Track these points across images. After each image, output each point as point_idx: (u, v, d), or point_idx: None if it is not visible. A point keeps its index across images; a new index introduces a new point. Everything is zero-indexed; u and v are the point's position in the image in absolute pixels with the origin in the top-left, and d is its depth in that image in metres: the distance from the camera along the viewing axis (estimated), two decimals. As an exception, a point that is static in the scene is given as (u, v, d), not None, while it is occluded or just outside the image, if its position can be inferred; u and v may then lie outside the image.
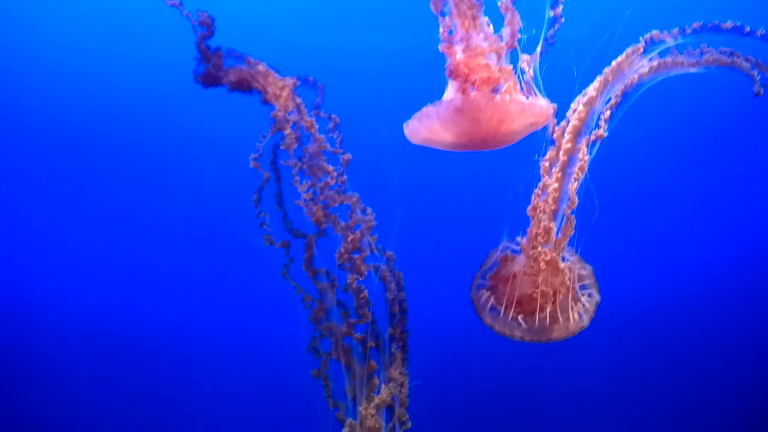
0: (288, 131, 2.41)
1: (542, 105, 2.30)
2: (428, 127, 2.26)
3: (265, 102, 2.45)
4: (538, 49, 2.39)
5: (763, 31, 2.52)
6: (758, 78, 2.62)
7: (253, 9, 5.83)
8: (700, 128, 6.50)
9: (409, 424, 2.60)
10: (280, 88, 2.39)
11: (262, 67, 2.40)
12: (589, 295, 2.50)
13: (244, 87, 2.43)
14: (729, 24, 2.54)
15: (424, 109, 2.25)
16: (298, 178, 2.47)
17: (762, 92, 2.53)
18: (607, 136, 2.52)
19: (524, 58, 2.35)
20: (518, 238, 2.54)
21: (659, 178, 6.66)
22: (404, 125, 2.34)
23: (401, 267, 2.69)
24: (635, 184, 6.51)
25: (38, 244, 6.40)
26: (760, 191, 6.60)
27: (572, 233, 2.43)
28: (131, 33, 5.87)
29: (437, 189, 6.12)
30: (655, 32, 2.54)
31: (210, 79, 2.35)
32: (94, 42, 5.97)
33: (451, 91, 2.28)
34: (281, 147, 2.44)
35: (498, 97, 2.16)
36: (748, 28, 2.53)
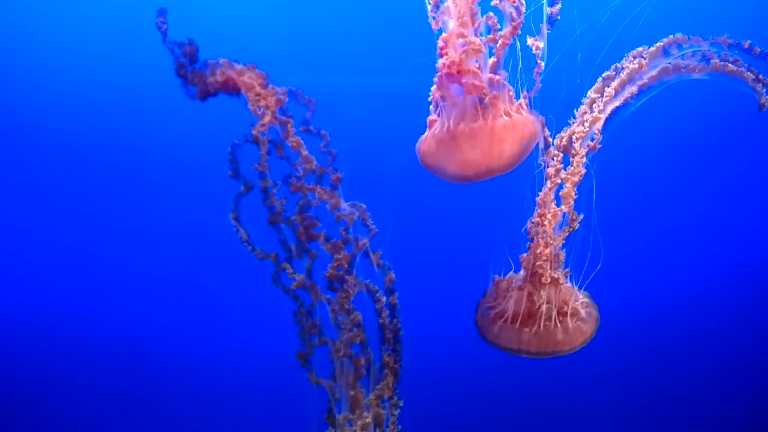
0: (263, 150, 2.31)
1: (530, 119, 2.24)
2: (431, 158, 2.23)
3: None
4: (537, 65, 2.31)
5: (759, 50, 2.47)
6: (763, 91, 2.56)
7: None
8: (705, 135, 6.46)
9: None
10: (265, 96, 2.30)
11: (246, 72, 2.29)
12: (588, 313, 2.44)
13: (230, 89, 2.32)
14: (732, 41, 2.48)
15: (421, 143, 2.22)
16: (280, 198, 2.38)
17: (767, 106, 2.47)
18: (609, 144, 2.46)
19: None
20: (520, 256, 2.47)
21: (661, 185, 6.62)
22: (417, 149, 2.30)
23: (397, 282, 2.61)
24: (637, 191, 6.46)
25: (24, 247, 6.32)
26: (765, 198, 6.57)
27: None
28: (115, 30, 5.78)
29: (433, 206, 6.07)
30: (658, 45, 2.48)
31: (195, 82, 2.25)
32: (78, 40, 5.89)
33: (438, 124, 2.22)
34: (255, 167, 2.34)
35: (487, 119, 2.11)
36: (757, 49, 2.48)
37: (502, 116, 2.13)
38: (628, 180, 6.09)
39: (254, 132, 2.29)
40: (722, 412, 6.46)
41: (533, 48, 2.27)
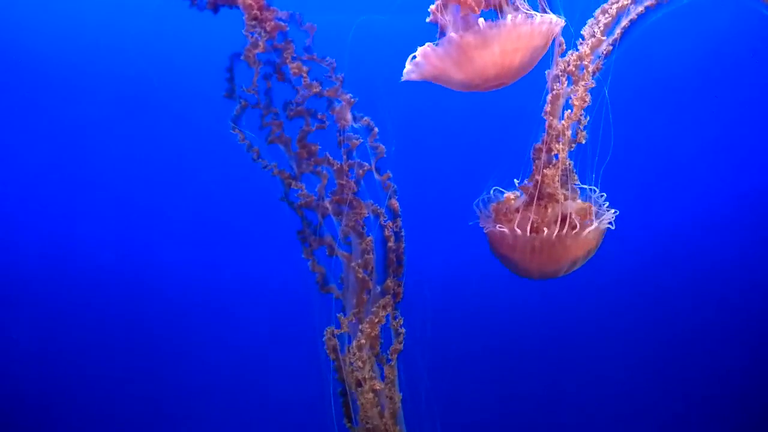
0: (256, 75, 2.29)
1: (551, 20, 2.13)
2: (435, 67, 2.14)
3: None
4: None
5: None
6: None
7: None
8: (712, 75, 6.29)
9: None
10: (264, 20, 2.25)
11: None
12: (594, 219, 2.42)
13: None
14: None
15: (427, 47, 2.11)
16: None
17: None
18: (618, 66, 2.40)
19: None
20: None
21: (674, 119, 6.50)
22: (407, 64, 2.19)
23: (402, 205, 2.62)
24: (649, 128, 6.35)
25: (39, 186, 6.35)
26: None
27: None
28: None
29: (433, 129, 6.00)
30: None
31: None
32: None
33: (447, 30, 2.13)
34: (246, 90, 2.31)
35: (507, 20, 2.01)
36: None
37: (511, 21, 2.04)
38: (633, 117, 5.96)
39: (247, 54, 2.26)
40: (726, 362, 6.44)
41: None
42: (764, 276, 6.26)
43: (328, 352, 2.55)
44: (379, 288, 2.56)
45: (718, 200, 6.60)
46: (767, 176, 6.43)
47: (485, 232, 2.45)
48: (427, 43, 2.13)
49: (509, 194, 2.49)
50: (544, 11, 2.17)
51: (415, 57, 2.16)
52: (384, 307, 2.50)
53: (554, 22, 2.15)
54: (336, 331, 2.53)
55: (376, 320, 2.49)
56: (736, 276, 6.38)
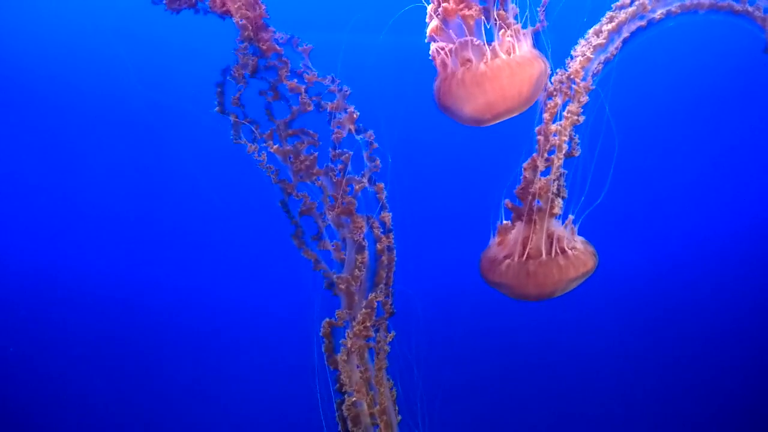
0: (239, 92, 2.30)
1: (538, 57, 2.20)
2: (450, 100, 2.17)
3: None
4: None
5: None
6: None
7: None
8: (714, 97, 6.34)
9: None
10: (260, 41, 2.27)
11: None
12: (586, 248, 2.45)
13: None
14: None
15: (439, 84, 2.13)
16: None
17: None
18: (608, 104, 2.42)
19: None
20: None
21: (668, 147, 6.53)
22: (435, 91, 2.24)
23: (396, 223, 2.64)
24: (643, 155, 6.38)
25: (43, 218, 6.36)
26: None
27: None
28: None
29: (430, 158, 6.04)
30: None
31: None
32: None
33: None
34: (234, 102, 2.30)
35: (509, 56, 2.06)
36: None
37: (511, 55, 2.10)
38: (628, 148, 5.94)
39: (235, 73, 2.29)
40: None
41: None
42: (756, 302, 6.28)
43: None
44: (364, 301, 2.55)
45: (714, 227, 6.63)
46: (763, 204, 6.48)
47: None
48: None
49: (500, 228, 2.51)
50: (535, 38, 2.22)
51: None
52: (367, 321, 2.49)
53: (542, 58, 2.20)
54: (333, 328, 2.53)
55: (361, 333, 2.47)
56: (732, 299, 6.40)
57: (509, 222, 2.50)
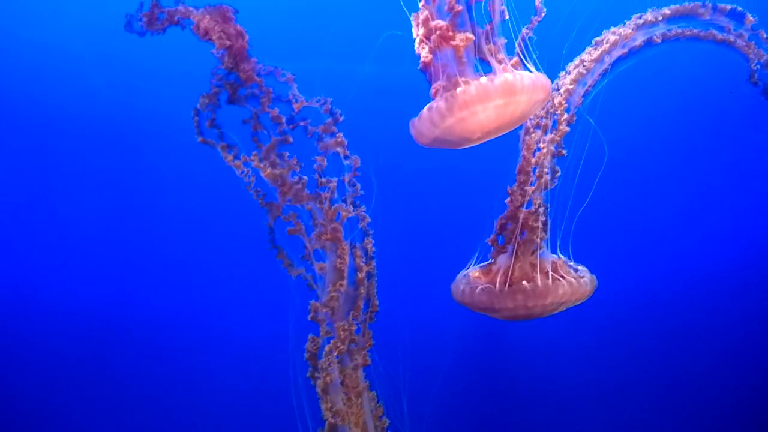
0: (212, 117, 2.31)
1: (541, 76, 2.15)
2: (437, 128, 2.10)
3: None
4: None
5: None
6: (755, 59, 2.52)
7: None
8: (701, 122, 6.34)
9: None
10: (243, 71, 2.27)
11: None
12: (578, 276, 2.44)
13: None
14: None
15: (426, 111, 2.09)
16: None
17: (757, 76, 2.44)
18: (602, 129, 2.43)
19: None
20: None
21: (656, 172, 6.54)
22: (411, 126, 2.20)
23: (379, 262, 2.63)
24: (631, 179, 6.37)
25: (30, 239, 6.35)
26: (762, 188, 6.45)
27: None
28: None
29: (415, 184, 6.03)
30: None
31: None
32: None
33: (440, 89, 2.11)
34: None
35: (506, 76, 2.00)
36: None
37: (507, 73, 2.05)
38: (620, 168, 5.96)
39: (201, 102, 2.29)
40: (717, 403, 6.38)
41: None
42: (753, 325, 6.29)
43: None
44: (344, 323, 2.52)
45: (706, 251, 6.64)
46: (760, 229, 6.49)
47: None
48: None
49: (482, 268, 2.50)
50: (524, 59, 2.20)
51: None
52: (340, 345, 2.46)
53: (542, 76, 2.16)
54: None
55: (335, 352, 2.45)
56: (724, 323, 6.41)
57: (491, 259, 2.49)
